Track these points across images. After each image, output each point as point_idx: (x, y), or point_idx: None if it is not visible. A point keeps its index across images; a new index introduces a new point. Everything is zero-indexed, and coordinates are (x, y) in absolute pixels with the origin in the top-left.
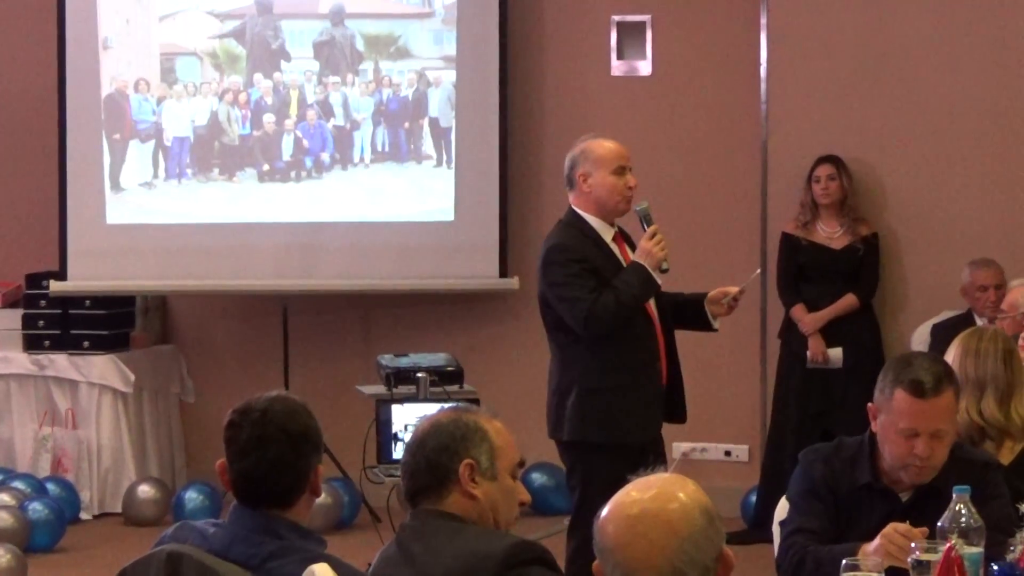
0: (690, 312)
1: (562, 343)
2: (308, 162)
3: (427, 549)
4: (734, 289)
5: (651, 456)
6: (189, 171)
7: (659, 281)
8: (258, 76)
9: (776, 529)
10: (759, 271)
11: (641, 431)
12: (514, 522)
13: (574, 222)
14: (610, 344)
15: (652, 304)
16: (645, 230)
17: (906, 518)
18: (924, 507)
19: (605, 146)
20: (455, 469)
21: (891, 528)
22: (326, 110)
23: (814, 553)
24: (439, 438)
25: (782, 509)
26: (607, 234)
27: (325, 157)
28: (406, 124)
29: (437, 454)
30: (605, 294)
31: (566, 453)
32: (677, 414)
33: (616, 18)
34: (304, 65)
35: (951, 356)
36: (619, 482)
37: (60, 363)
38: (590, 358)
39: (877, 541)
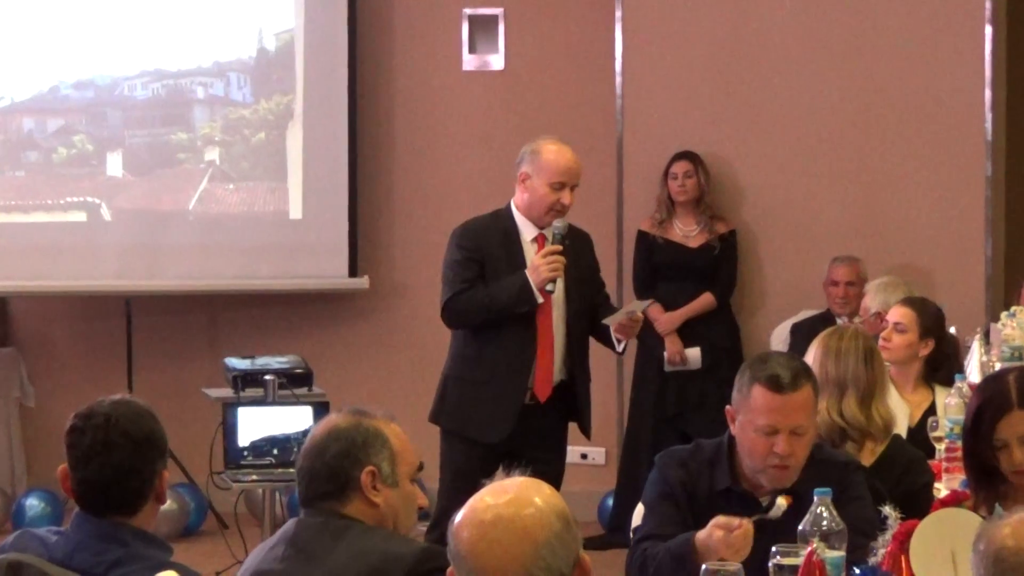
0: (601, 329)
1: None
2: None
3: (336, 546)
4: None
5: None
6: (27, 168)
7: (539, 298)
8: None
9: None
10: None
11: (485, 431)
12: (413, 528)
13: (500, 213)
14: (477, 339)
15: (554, 314)
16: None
17: (768, 523)
18: (785, 511)
19: (554, 156)
20: (357, 476)
21: (724, 522)
22: None
23: (650, 552)
24: (340, 444)
25: (639, 514)
26: (529, 233)
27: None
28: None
29: (339, 460)
30: (476, 290)
31: None
32: (580, 425)
33: (468, 11)
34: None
35: (811, 356)
36: (470, 475)
37: None
38: (460, 348)
39: (716, 538)
